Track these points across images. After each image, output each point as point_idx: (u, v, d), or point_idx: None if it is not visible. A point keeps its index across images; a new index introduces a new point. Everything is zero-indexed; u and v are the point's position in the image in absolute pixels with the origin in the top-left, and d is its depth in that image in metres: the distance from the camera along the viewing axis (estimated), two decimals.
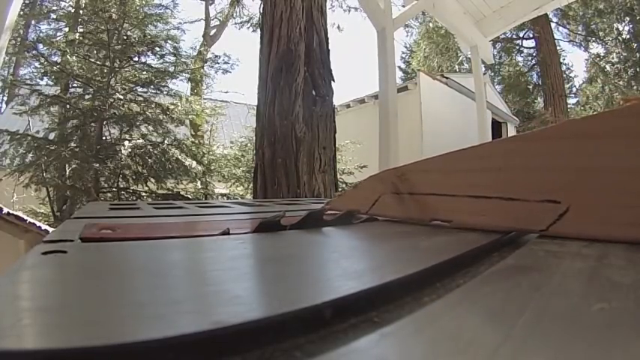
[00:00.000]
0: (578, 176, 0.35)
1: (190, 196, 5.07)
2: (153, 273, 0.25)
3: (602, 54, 11.40)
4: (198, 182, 5.27)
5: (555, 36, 11.40)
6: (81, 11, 5.50)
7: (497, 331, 0.15)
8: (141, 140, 4.84)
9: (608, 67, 11.19)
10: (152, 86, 5.07)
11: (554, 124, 0.40)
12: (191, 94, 6.27)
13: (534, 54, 11.88)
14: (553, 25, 11.35)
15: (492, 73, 11.76)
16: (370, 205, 0.55)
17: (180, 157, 4.89)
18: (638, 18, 10.15)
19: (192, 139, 5.68)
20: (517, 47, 12.15)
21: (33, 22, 6.90)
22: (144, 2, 5.34)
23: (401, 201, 0.51)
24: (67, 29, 5.74)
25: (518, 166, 0.40)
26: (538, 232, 0.36)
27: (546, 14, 8.53)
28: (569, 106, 11.43)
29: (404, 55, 13.70)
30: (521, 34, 11.79)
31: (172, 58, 5.31)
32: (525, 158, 0.39)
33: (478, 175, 0.43)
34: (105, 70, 4.88)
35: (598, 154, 0.34)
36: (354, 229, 0.48)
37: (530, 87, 12.02)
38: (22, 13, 5.64)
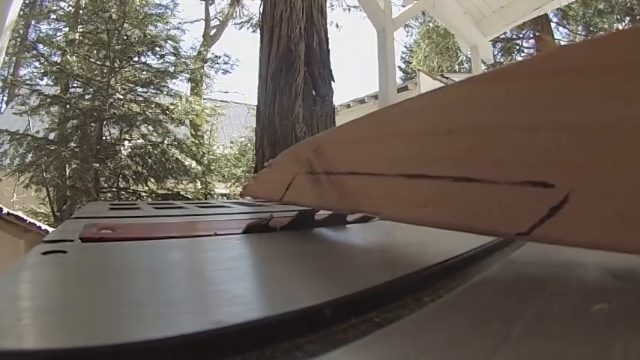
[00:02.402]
0: (584, 140, 0.19)
1: (190, 196, 5.07)
2: (153, 273, 0.25)
3: None
4: (198, 182, 5.27)
5: (555, 36, 11.40)
6: (81, 11, 5.50)
7: (497, 331, 0.15)
8: (141, 140, 4.84)
9: None
10: (152, 86, 5.07)
11: (536, 54, 0.24)
12: (191, 94, 6.27)
13: (534, 54, 11.88)
14: (553, 25, 11.35)
15: None
16: (284, 190, 0.42)
17: (180, 157, 4.89)
18: (638, 18, 10.15)
19: (192, 139, 5.68)
20: (517, 47, 12.16)
21: (33, 22, 6.89)
22: (144, 2, 5.34)
23: (317, 183, 0.36)
24: (67, 29, 5.74)
25: (481, 125, 0.23)
26: (513, 235, 0.22)
27: (546, 14, 8.51)
28: None
29: (404, 55, 13.68)
30: (521, 34, 11.79)
31: (172, 58, 5.31)
32: (492, 112, 0.22)
33: (417, 142, 0.27)
34: (105, 70, 4.87)
35: (615, 100, 0.18)
36: (349, 230, 0.48)
37: None
38: (22, 13, 5.63)
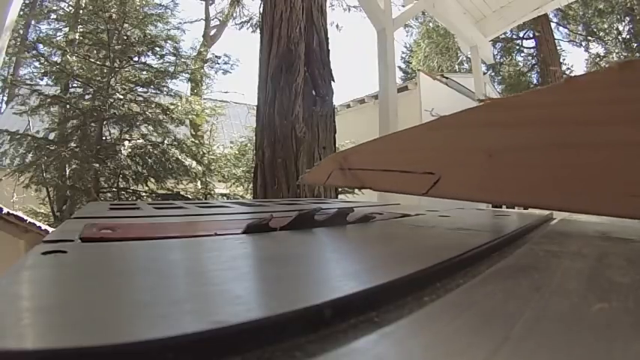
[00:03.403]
0: (447, 156, 0.51)
1: (190, 196, 5.07)
2: (153, 273, 0.25)
3: (602, 54, 11.39)
4: (198, 182, 5.27)
5: (555, 36, 11.39)
6: (81, 11, 5.50)
7: (497, 332, 0.15)
8: (141, 140, 4.84)
9: None
10: (152, 86, 5.07)
11: (433, 120, 0.54)
12: (191, 94, 6.27)
13: (534, 54, 11.87)
14: (553, 25, 11.33)
15: (492, 73, 11.74)
16: (326, 178, 0.76)
17: (180, 157, 4.89)
18: (638, 18, 10.15)
19: (192, 139, 5.68)
20: (517, 47, 12.14)
21: (33, 22, 6.90)
22: (144, 2, 5.34)
23: (344, 174, 0.71)
24: (67, 29, 5.74)
25: (412, 148, 0.58)
26: (421, 194, 0.52)
27: (546, 14, 8.52)
28: None
29: (404, 55, 13.69)
30: (521, 34, 11.78)
31: (172, 58, 5.32)
32: (416, 143, 0.57)
33: (390, 155, 0.62)
34: (105, 70, 4.88)
35: (459, 140, 0.49)
36: (349, 230, 0.48)
37: (531, 87, 12.00)
38: (22, 13, 5.64)
